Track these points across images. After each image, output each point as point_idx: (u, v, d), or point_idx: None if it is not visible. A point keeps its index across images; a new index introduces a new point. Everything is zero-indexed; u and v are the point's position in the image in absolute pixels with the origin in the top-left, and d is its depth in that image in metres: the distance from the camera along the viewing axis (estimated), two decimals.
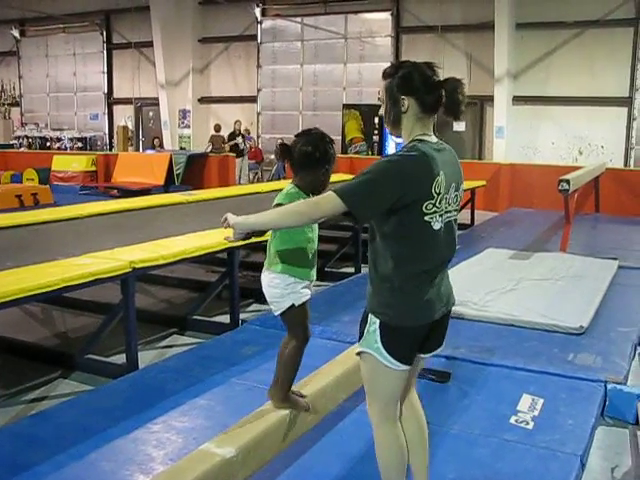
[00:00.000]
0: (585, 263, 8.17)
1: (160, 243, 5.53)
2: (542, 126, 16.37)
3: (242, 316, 6.20)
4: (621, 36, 15.34)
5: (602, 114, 15.77)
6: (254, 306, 6.97)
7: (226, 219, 2.67)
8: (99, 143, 22.99)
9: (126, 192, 15.25)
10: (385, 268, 2.57)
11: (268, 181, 17.50)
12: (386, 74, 2.64)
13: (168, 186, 16.15)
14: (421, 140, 2.57)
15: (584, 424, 3.97)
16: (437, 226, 2.53)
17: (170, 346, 5.77)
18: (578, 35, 15.70)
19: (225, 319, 6.13)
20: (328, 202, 2.46)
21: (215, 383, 4.46)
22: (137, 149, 21.82)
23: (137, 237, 5.85)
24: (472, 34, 16.80)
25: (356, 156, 16.26)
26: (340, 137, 17.55)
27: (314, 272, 3.01)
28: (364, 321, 2.66)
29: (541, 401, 4.26)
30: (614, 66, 15.43)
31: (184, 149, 19.85)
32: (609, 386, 4.47)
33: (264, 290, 3.03)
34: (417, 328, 2.60)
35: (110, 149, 22.55)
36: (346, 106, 17.81)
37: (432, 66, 2.61)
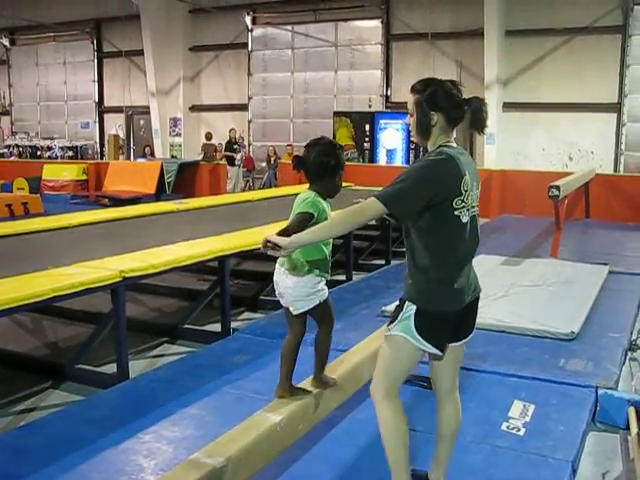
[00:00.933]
0: (576, 269, 8.19)
1: (151, 252, 5.52)
2: (532, 132, 16.45)
3: (233, 325, 6.19)
4: (609, 43, 15.45)
5: (591, 120, 15.86)
6: (245, 314, 6.96)
7: (268, 241, 2.80)
8: (90, 152, 22.97)
9: (117, 201, 15.23)
10: (422, 260, 2.85)
11: (260, 189, 17.50)
12: (415, 90, 2.93)
13: (159, 195, 16.14)
14: (446, 146, 2.89)
15: (575, 430, 3.98)
16: (465, 219, 2.83)
17: (161, 355, 5.75)
18: (567, 42, 15.80)
19: (216, 328, 6.11)
20: (372, 208, 2.74)
21: (206, 392, 4.44)
22: (128, 158, 21.80)
23: (128, 246, 5.83)
24: (462, 41, 16.87)
25: (347, 163, 16.20)
26: None
27: (330, 269, 3.30)
28: (399, 307, 2.90)
29: (532, 407, 4.26)
30: (603, 72, 15.54)
31: (175, 157, 19.85)
32: (600, 391, 4.47)
33: (286, 291, 3.24)
34: (450, 313, 2.87)
35: (101, 158, 22.53)
36: (337, 113, 17.84)
37: (457, 84, 2.95)
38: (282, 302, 3.33)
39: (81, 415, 4.12)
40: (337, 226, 2.88)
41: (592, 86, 15.64)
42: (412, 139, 14.51)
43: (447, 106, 2.89)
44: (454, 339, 2.98)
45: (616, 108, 15.62)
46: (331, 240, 3.25)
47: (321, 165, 3.20)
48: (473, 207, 2.89)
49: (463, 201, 2.81)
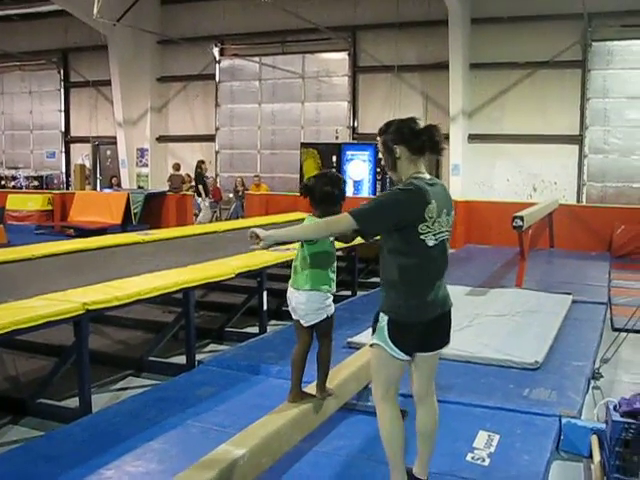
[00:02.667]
0: (540, 298, 8.28)
1: (115, 284, 5.46)
2: (497, 163, 16.68)
3: (199, 357, 6.13)
4: (570, 77, 15.80)
5: (554, 151, 16.14)
6: (211, 346, 6.90)
7: (253, 232, 3.22)
8: (56, 182, 22.76)
9: (83, 231, 15.08)
10: (392, 276, 3.23)
11: (226, 220, 17.46)
12: (380, 131, 3.34)
13: (126, 225, 16.03)
14: (416, 177, 3.24)
15: (539, 459, 4.00)
16: (431, 243, 3.18)
17: (125, 388, 5.67)
18: (530, 75, 16.12)
19: (181, 360, 6.05)
20: (345, 220, 3.16)
21: (170, 426, 4.39)
22: (94, 188, 21.63)
23: (92, 278, 5.78)
24: (427, 74, 17.12)
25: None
26: (298, 176, 17.65)
27: (334, 285, 3.70)
28: (375, 320, 3.27)
29: (497, 437, 4.28)
30: (565, 105, 15.87)
31: (142, 188, 19.74)
32: (564, 420, 4.51)
33: (298, 306, 3.63)
34: (417, 324, 3.22)
35: (67, 188, 22.33)
36: (304, 145, 17.90)
37: (414, 119, 3.30)
38: (294, 316, 3.70)
39: (41, 451, 4.03)
40: (311, 230, 3.42)
41: (554, 118, 15.95)
42: (383, 172, 14.62)
43: (406, 138, 3.25)
44: (424, 349, 3.33)
45: (578, 140, 15.93)
46: (334, 261, 3.70)
47: (326, 193, 3.61)
48: (441, 232, 3.23)
49: (428, 227, 3.15)
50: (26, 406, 5.02)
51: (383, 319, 3.24)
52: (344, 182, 3.74)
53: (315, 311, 3.61)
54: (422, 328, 3.24)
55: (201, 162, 17.29)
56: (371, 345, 3.33)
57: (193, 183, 17.54)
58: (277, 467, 3.53)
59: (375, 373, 3.38)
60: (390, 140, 3.28)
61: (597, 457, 4.05)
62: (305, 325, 3.66)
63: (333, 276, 3.69)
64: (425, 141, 3.26)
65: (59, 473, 3.67)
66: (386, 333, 3.21)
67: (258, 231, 3.21)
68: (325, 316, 3.64)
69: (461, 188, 15.94)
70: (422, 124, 3.31)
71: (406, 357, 3.27)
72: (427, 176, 3.30)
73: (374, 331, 3.29)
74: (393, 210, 3.15)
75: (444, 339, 3.40)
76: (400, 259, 3.20)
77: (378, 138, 3.37)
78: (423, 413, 3.47)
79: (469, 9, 16.02)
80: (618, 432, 3.70)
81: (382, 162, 3.46)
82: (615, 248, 13.27)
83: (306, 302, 3.60)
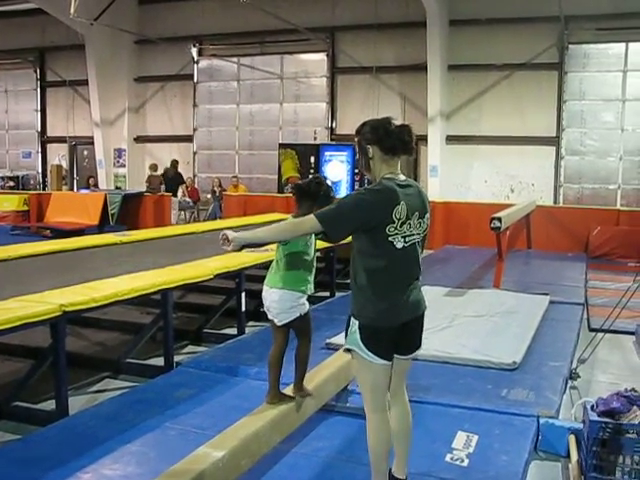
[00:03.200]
0: (518, 299, 8.33)
1: (92, 285, 5.41)
2: (475, 165, 16.77)
3: (177, 358, 6.10)
4: (547, 79, 15.93)
5: (532, 153, 16.26)
6: (189, 348, 6.87)
7: (224, 234, 3.15)
8: (32, 182, 22.54)
9: (59, 232, 14.95)
10: (361, 279, 3.17)
11: (204, 220, 17.40)
12: (357, 131, 3.31)
13: (103, 226, 15.90)
14: (387, 178, 3.19)
15: (518, 459, 4.02)
16: (399, 245, 3.12)
17: (102, 390, 5.63)
18: (507, 77, 16.23)
19: (159, 362, 6.02)
20: (309, 223, 3.10)
21: (148, 428, 4.36)
22: (71, 188, 21.45)
23: (69, 279, 5.72)
24: (406, 75, 17.17)
25: (292, 195, 16.19)
26: (276, 176, 17.62)
27: (312, 287, 3.70)
28: (348, 324, 3.24)
29: (476, 438, 4.29)
30: (542, 107, 15.99)
31: (119, 188, 19.61)
32: (541, 420, 4.54)
33: (271, 304, 3.62)
34: (388, 329, 3.16)
35: (43, 188, 22.13)
36: (282, 145, 17.86)
37: (389, 119, 3.27)
38: (268, 315, 3.68)
39: (17, 455, 3.98)
40: (277, 232, 3.30)
41: (532, 120, 16.07)
42: (361, 174, 14.70)
43: (378, 137, 3.22)
44: (398, 352, 3.28)
45: (555, 141, 16.06)
46: (313, 262, 3.69)
47: (309, 192, 3.66)
48: (411, 235, 3.17)
49: (396, 229, 3.09)
50: (1, 409, 4.96)
51: (354, 324, 3.19)
52: (333, 192, 3.77)
53: (288, 310, 3.60)
54: (393, 332, 3.18)
55: (175, 162, 17.33)
56: (346, 350, 3.30)
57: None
58: (256, 469, 3.52)
59: (360, 381, 3.35)
60: (364, 140, 3.27)
61: (575, 457, 4.08)
62: (278, 324, 3.64)
63: (309, 277, 3.68)
64: (396, 141, 3.23)
65: (36, 477, 3.63)
66: (358, 338, 3.16)
67: (228, 233, 3.16)
68: (298, 314, 3.62)
69: (439, 189, 16.00)
70: (376, 114, 3.37)
71: (381, 361, 3.18)
72: (401, 177, 3.26)
73: (347, 335, 3.26)
74: (358, 212, 3.08)
75: (417, 343, 3.36)
76: (368, 261, 3.15)
77: (355, 138, 3.36)
78: (397, 412, 3.43)
79: (447, 11, 16.09)
80: (595, 432, 3.73)
81: (358, 162, 3.48)
82: (591, 249, 13.40)
83: (278, 300, 3.60)
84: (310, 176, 3.98)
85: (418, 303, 3.29)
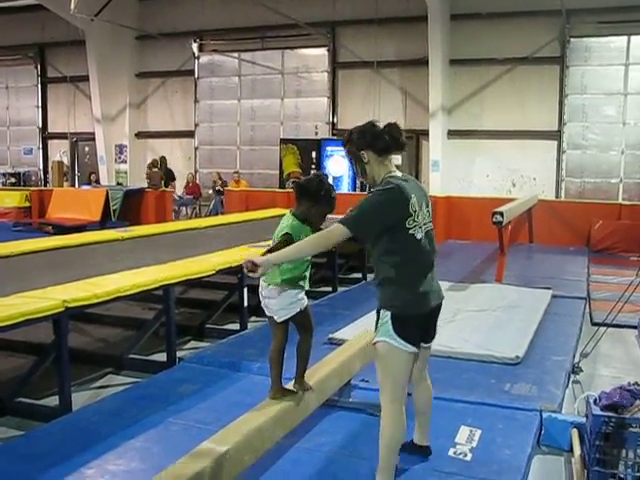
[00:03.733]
0: (520, 293, 8.33)
1: (94, 281, 5.42)
2: (476, 159, 16.74)
3: (179, 354, 6.10)
4: (549, 73, 15.90)
5: (533, 147, 16.23)
6: (191, 343, 6.88)
7: (250, 261, 3.18)
8: (33, 178, 22.54)
9: (61, 228, 14.92)
10: (388, 273, 3.33)
11: (206, 216, 17.40)
12: (345, 142, 3.47)
13: (104, 222, 15.90)
14: (391, 177, 3.36)
15: (521, 454, 4.02)
16: (419, 236, 3.33)
17: (105, 386, 5.64)
18: (509, 71, 16.19)
19: (162, 357, 6.02)
20: (338, 232, 3.25)
21: (151, 424, 4.36)
22: (73, 184, 21.45)
23: (71, 275, 5.73)
24: (407, 69, 17.15)
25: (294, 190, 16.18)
26: (278, 172, 17.61)
27: (308, 282, 3.72)
28: (377, 314, 3.38)
29: (479, 432, 4.29)
30: (543, 101, 15.96)
31: (121, 184, 19.61)
32: (544, 415, 4.54)
33: (270, 302, 3.63)
34: (419, 316, 3.36)
35: (45, 184, 22.13)
36: (283, 141, 17.85)
37: (373, 122, 3.44)
38: (267, 312, 3.68)
39: (20, 451, 3.99)
40: (308, 248, 3.36)
41: (533, 114, 16.04)
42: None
43: (369, 141, 3.38)
44: (424, 340, 3.50)
45: (556, 135, 16.03)
46: (309, 260, 3.65)
47: (310, 190, 3.63)
48: (426, 224, 3.38)
49: (414, 220, 3.29)
50: (5, 405, 4.97)
51: (385, 315, 3.32)
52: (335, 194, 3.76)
53: (287, 306, 3.61)
54: (422, 319, 3.39)
55: (164, 158, 17.43)
56: (375, 343, 3.40)
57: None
58: (259, 464, 3.52)
59: (382, 372, 3.42)
60: (355, 147, 3.41)
61: (577, 451, 4.08)
62: (278, 321, 3.64)
63: (307, 273, 3.69)
64: (387, 140, 3.37)
65: (39, 473, 3.64)
66: (390, 328, 3.29)
67: (254, 259, 3.19)
68: (298, 310, 3.63)
69: (441, 184, 15.98)
70: (381, 125, 3.42)
71: (413, 349, 3.34)
72: (399, 173, 3.42)
73: (375, 327, 3.39)
74: (381, 211, 3.25)
75: (434, 332, 3.60)
76: (394, 256, 3.30)
77: (345, 149, 3.50)
78: (421, 391, 3.74)
79: (448, 5, 16.05)
80: (598, 426, 3.72)
81: (355, 171, 3.57)
82: (593, 243, 13.38)
83: (278, 297, 3.60)
84: (312, 173, 3.96)
85: (439, 290, 3.53)
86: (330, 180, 3.83)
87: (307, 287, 3.71)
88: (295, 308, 3.62)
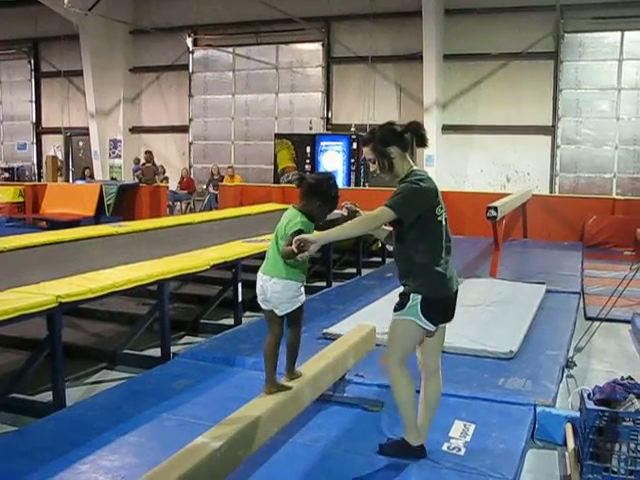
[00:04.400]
0: (514, 288, 8.34)
1: (88, 276, 5.40)
2: (471, 154, 16.77)
3: (173, 349, 6.08)
4: (543, 68, 15.94)
5: (528, 142, 16.27)
6: (186, 339, 6.86)
7: (303, 239, 3.32)
8: (27, 173, 22.49)
9: (55, 224, 14.87)
10: (419, 258, 3.60)
11: (200, 211, 17.37)
12: (365, 141, 3.73)
13: (99, 217, 15.84)
14: (416, 169, 3.67)
15: (515, 448, 4.03)
16: (444, 222, 3.65)
17: (99, 382, 5.62)
18: (503, 66, 16.23)
19: (156, 352, 6.01)
20: (385, 214, 3.52)
21: (145, 419, 4.36)
22: (67, 179, 21.42)
23: (65, 270, 5.70)
24: (401, 64, 17.16)
25: (289, 185, 16.14)
26: (272, 167, 17.60)
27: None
28: (405, 298, 3.62)
29: (473, 427, 4.30)
30: (537, 96, 16.00)
31: (115, 179, 19.57)
32: (538, 409, 4.55)
33: (273, 295, 3.63)
34: (445, 298, 3.68)
35: (39, 179, 22.07)
36: (278, 136, 17.84)
37: (392, 122, 3.73)
38: (265, 306, 3.70)
39: (14, 447, 3.97)
40: (359, 227, 3.63)
41: (528, 109, 16.07)
42: (357, 163, 14.72)
43: (395, 138, 3.64)
44: (444, 320, 3.75)
45: (551, 131, 16.08)
46: None
47: (321, 190, 3.66)
48: (445, 212, 3.69)
49: (442, 208, 3.64)
50: None
51: (416, 298, 3.59)
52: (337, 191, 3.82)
53: (290, 299, 3.62)
54: (448, 301, 3.69)
55: (146, 152, 17.53)
56: (399, 320, 3.66)
57: (164, 174, 17.57)
58: (254, 459, 3.52)
59: (396, 342, 3.71)
60: (381, 144, 3.64)
61: (571, 445, 4.09)
62: (279, 314, 3.64)
63: (305, 267, 3.70)
64: (411, 137, 3.64)
65: (33, 468, 3.63)
66: (419, 309, 3.58)
67: (307, 237, 3.34)
68: (299, 304, 3.66)
69: (435, 179, 15.86)
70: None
71: (434, 327, 3.66)
72: (416, 167, 3.71)
73: (400, 308, 3.64)
74: (420, 197, 3.56)
75: (453, 313, 3.78)
76: (427, 242, 3.60)
77: (364, 149, 3.73)
78: (432, 385, 3.87)
79: (443, 0, 16.05)
80: (592, 420, 3.73)
81: (372, 169, 3.76)
82: (587, 238, 13.40)
83: (282, 290, 3.59)
84: (321, 172, 4.00)
85: (457, 275, 3.79)
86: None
87: (304, 280, 3.74)
88: (297, 302, 3.65)
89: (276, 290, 3.60)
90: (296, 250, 3.31)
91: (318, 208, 3.63)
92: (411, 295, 3.61)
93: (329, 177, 3.80)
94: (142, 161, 18.27)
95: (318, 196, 3.62)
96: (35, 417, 4.61)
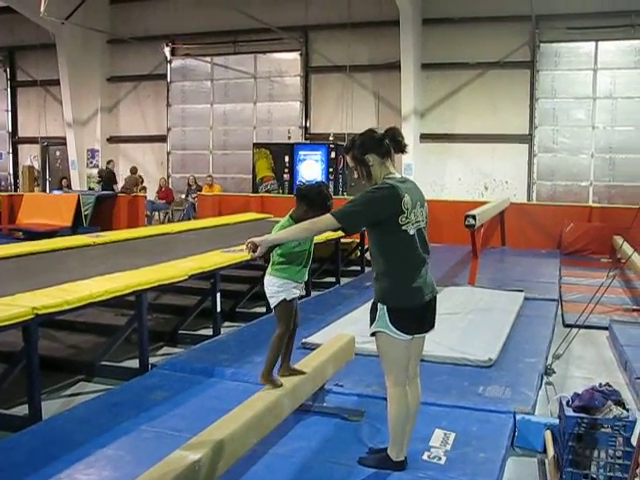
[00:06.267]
0: (493, 296, 8.38)
1: (65, 287, 5.33)
2: (449, 162, 16.86)
3: (152, 360, 6.03)
4: (520, 77, 16.09)
5: (505, 151, 16.40)
6: (164, 349, 6.81)
7: (251, 242, 3.49)
8: (3, 183, 22.30)
9: (32, 234, 14.72)
10: (383, 267, 3.60)
11: (179, 221, 17.30)
12: (346, 149, 3.74)
13: (76, 227, 15.71)
14: (388, 177, 3.63)
15: (495, 456, 4.03)
16: (412, 232, 3.57)
17: (77, 394, 5.55)
18: (480, 75, 16.35)
19: (134, 364, 5.95)
20: (324, 221, 3.55)
21: (123, 431, 4.31)
22: (44, 190, 21.24)
23: (41, 281, 5.64)
24: (379, 74, 17.23)
25: (267, 195, 16.11)
26: (251, 176, 17.55)
27: (304, 275, 3.98)
28: (373, 309, 3.62)
29: (453, 435, 4.30)
30: (515, 105, 16.14)
31: (93, 189, 19.43)
32: (518, 417, 4.56)
33: (266, 289, 3.91)
34: (413, 308, 3.59)
35: (15, 190, 21.86)
36: (256, 145, 17.77)
37: (373, 129, 3.72)
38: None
39: None
40: (299, 232, 3.64)
41: (505, 118, 16.20)
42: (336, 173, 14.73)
43: (373, 145, 3.63)
44: (419, 330, 3.69)
45: (528, 139, 16.21)
46: (306, 252, 3.94)
47: (317, 198, 3.87)
48: (418, 222, 3.62)
49: (407, 217, 3.53)
50: None
51: (382, 308, 3.57)
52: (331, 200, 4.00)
53: (274, 294, 3.86)
54: (418, 311, 3.62)
55: (108, 162, 17.53)
56: (372, 334, 3.66)
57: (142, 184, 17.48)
58: (233, 471, 3.48)
59: (385, 359, 3.70)
60: (359, 152, 3.65)
61: (551, 452, 4.11)
62: (271, 307, 3.93)
63: (303, 269, 3.94)
64: (389, 143, 3.64)
65: None
66: (387, 319, 3.56)
67: (254, 239, 3.49)
68: (282, 298, 3.84)
69: None
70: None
71: (407, 337, 3.59)
72: (397, 175, 3.68)
73: (373, 321, 3.62)
74: (370, 207, 3.53)
75: (432, 323, 3.76)
76: (387, 251, 3.57)
77: (347, 156, 3.75)
78: (411, 393, 3.78)
79: (420, 10, 16.17)
80: (571, 427, 3.75)
81: (356, 176, 3.78)
82: (565, 245, 13.49)
83: (267, 285, 3.90)
84: (315, 182, 4.33)
85: (433, 284, 3.75)
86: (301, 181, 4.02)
87: (301, 279, 3.94)
88: (280, 295, 3.84)
89: (265, 285, 3.93)
90: (246, 250, 3.53)
91: (305, 213, 3.81)
92: (378, 305, 3.62)
93: (319, 186, 4.00)
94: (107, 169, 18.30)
95: (305, 202, 3.87)
96: (10, 431, 4.54)
